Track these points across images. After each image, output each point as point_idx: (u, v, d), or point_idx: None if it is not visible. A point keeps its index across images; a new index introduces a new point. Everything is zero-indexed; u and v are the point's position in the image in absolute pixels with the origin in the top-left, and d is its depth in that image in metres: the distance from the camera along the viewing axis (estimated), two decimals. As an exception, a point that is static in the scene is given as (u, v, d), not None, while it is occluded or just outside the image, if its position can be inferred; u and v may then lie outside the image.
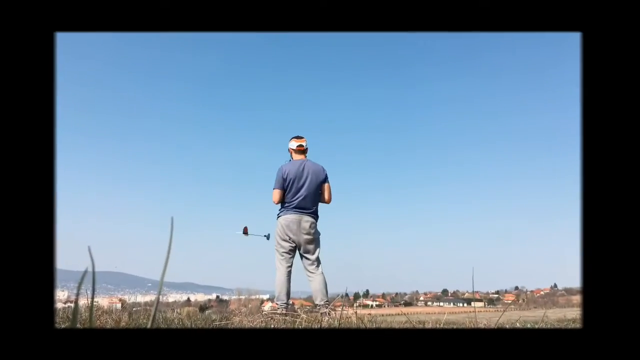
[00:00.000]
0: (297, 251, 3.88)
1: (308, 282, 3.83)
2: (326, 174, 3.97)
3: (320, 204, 4.02)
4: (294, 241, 3.78)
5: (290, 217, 3.79)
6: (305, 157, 4.01)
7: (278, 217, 3.89)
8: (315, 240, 3.84)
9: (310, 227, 3.80)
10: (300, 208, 3.81)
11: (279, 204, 3.93)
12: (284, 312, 3.54)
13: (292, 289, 3.80)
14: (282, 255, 3.80)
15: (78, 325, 2.20)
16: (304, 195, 3.81)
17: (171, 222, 0.65)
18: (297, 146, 3.97)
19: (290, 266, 3.82)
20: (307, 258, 3.81)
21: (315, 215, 3.90)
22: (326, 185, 3.96)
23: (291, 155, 4.06)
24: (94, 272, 0.62)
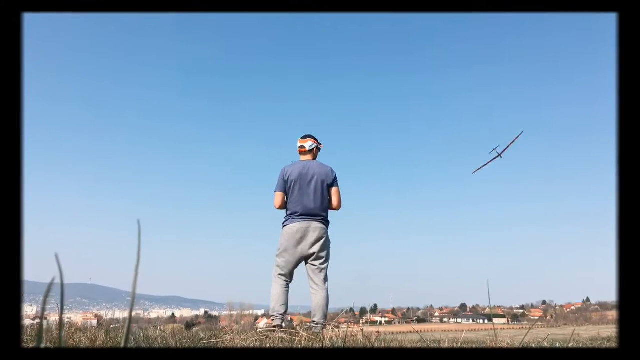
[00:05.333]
0: (299, 264, 3.88)
1: (310, 295, 3.83)
2: (335, 177, 3.97)
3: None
4: (299, 253, 3.78)
5: (297, 225, 3.79)
6: (313, 158, 4.04)
7: (283, 226, 3.90)
8: (326, 248, 3.84)
9: (320, 235, 3.79)
10: (308, 215, 3.81)
11: (284, 210, 3.95)
12: (279, 324, 3.54)
13: (291, 304, 3.79)
14: (283, 269, 3.81)
15: (48, 344, 2.20)
16: (310, 199, 3.81)
17: (138, 226, 0.64)
18: (298, 147, 4.04)
19: (291, 280, 3.83)
20: (315, 266, 3.80)
21: (325, 221, 3.89)
22: (335, 189, 3.96)
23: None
24: (62, 283, 0.62)
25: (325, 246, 3.83)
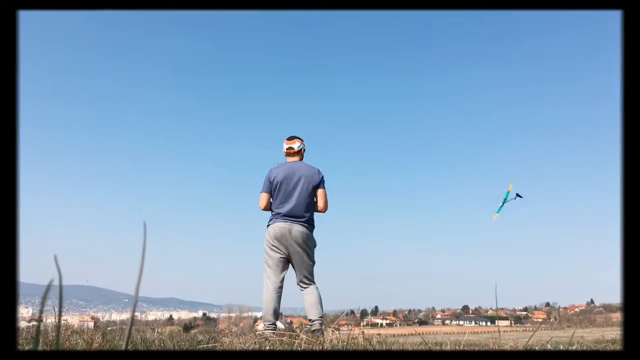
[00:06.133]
0: (288, 264, 3.89)
1: (302, 297, 3.85)
2: (322, 178, 3.98)
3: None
4: (284, 253, 3.79)
5: (279, 225, 3.80)
6: (300, 159, 4.06)
7: (267, 227, 3.92)
8: (308, 251, 3.84)
9: (302, 237, 3.79)
10: (290, 216, 3.82)
11: (269, 211, 3.98)
12: (270, 334, 3.55)
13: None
14: (271, 269, 3.81)
15: (44, 347, 2.20)
16: (294, 201, 3.83)
17: (144, 228, 0.64)
18: (286, 149, 4.06)
19: (281, 282, 3.82)
20: (299, 272, 3.82)
21: (308, 223, 3.89)
22: (321, 190, 3.96)
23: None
24: (61, 285, 0.62)
25: (309, 248, 3.83)
